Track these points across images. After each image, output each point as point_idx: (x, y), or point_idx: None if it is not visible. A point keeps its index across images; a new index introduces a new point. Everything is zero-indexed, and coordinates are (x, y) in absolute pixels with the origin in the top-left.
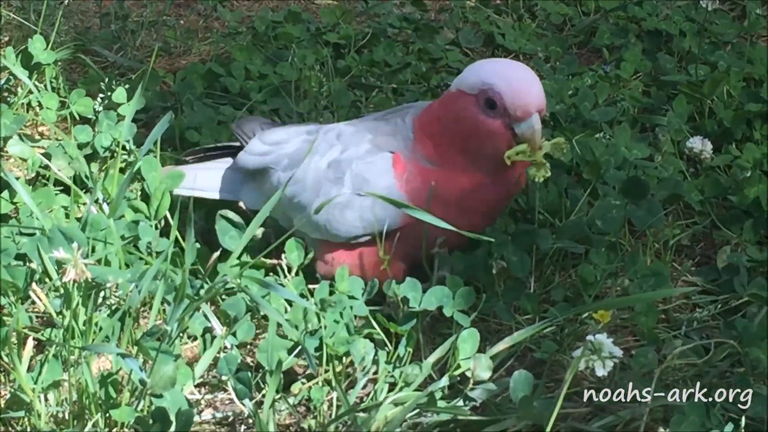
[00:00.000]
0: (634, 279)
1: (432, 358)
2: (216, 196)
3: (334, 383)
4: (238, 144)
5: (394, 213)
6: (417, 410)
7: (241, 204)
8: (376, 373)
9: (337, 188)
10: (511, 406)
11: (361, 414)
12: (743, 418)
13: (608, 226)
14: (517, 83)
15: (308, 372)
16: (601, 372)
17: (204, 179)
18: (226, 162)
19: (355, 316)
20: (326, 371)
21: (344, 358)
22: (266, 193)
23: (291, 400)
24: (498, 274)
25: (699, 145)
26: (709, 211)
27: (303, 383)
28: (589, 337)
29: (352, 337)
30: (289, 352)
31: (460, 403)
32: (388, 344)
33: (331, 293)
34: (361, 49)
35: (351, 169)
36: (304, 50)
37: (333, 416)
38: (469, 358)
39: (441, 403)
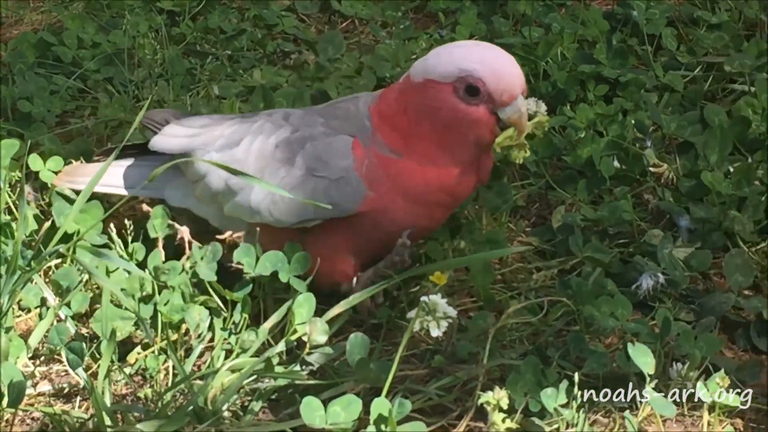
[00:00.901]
0: (471, 241)
1: (268, 324)
2: (131, 193)
3: (169, 351)
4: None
5: (352, 197)
6: (254, 376)
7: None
8: (213, 340)
9: (286, 169)
10: (349, 369)
11: (198, 381)
12: (577, 375)
13: None
14: (499, 66)
15: (145, 341)
16: (436, 332)
17: (115, 175)
18: (141, 159)
19: (192, 284)
20: (163, 340)
21: (181, 326)
22: (191, 178)
23: (127, 369)
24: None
25: (533, 106)
26: (543, 172)
27: (139, 353)
28: (423, 298)
29: (187, 304)
30: (126, 321)
31: (298, 368)
32: (225, 311)
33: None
34: (196, 16)
35: (304, 149)
36: (137, 18)
37: (169, 384)
38: (306, 322)
39: (278, 369)
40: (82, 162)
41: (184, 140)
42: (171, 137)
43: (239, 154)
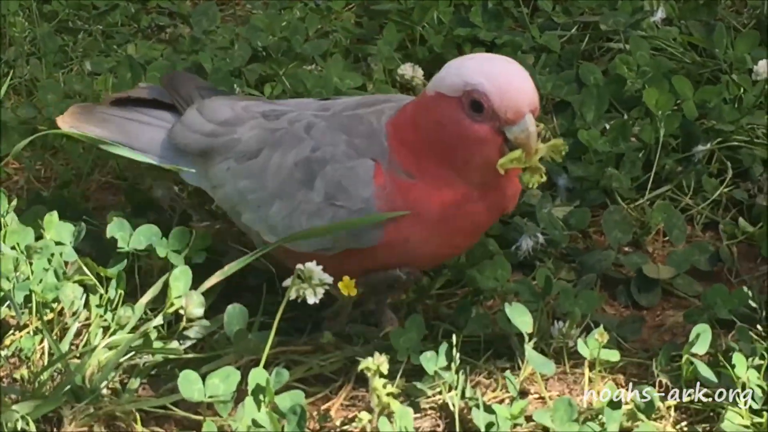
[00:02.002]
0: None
1: (145, 299)
2: (155, 161)
3: (44, 331)
4: (167, 100)
5: (372, 230)
6: (132, 352)
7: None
8: (90, 318)
9: (304, 192)
10: (230, 342)
11: (75, 360)
12: (455, 337)
13: None
14: (506, 81)
15: (24, 323)
16: (312, 300)
17: (144, 138)
18: (164, 120)
19: (66, 263)
20: (38, 320)
21: (55, 305)
22: (211, 179)
23: (3, 352)
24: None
25: (410, 71)
26: None
27: (14, 335)
28: (299, 266)
29: (61, 283)
30: (2, 303)
31: (176, 342)
32: (100, 288)
33: (39, 239)
34: None
35: (324, 172)
36: None
37: (45, 364)
38: (183, 296)
39: (157, 344)
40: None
41: (204, 139)
42: (190, 131)
43: (256, 167)
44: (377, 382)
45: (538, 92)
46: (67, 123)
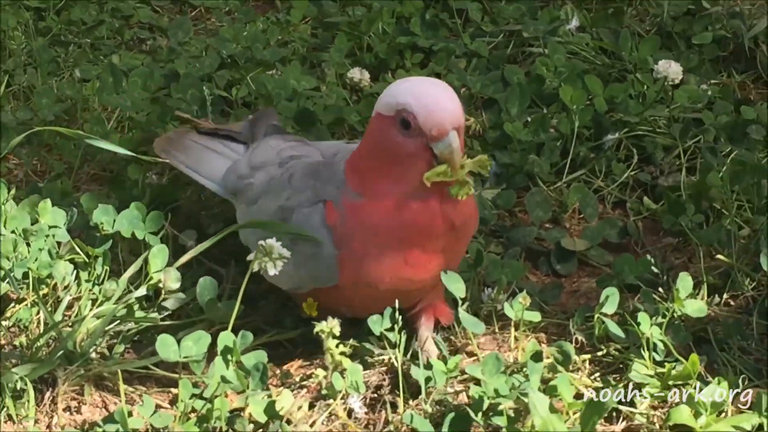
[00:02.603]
0: None
1: (127, 274)
2: (216, 189)
3: (39, 303)
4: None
5: (328, 271)
6: (117, 321)
7: None
8: (80, 292)
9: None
10: (202, 311)
11: (67, 328)
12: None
13: None
14: (430, 101)
15: (22, 296)
16: (273, 271)
17: (212, 167)
18: (237, 153)
19: (58, 243)
20: (34, 294)
21: (50, 281)
22: (238, 217)
23: (5, 323)
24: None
25: (358, 75)
26: None
27: (14, 308)
28: (260, 242)
29: (54, 261)
30: (2, 280)
31: (156, 312)
32: (90, 265)
33: (35, 223)
34: (60, 10)
35: (292, 218)
36: (6, 14)
37: (41, 332)
38: (160, 271)
39: (138, 313)
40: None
41: (236, 182)
42: (232, 174)
43: (254, 211)
44: (330, 343)
45: (463, 111)
46: (159, 146)
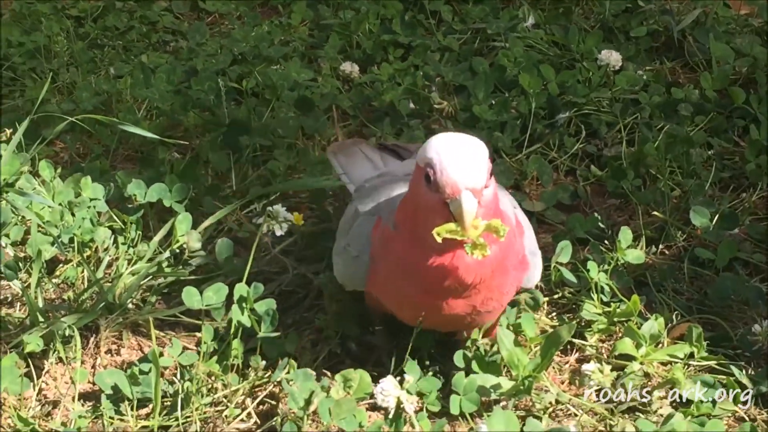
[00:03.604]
0: (307, 169)
1: (157, 237)
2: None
3: (83, 263)
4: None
5: (362, 274)
6: (149, 276)
7: None
8: (117, 253)
9: (344, 235)
10: (220, 267)
11: (107, 284)
12: None
13: (287, 132)
14: (449, 159)
15: (69, 258)
16: (279, 232)
17: (360, 173)
18: (384, 165)
19: (98, 213)
20: (79, 255)
21: (92, 245)
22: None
23: (55, 280)
24: (204, 176)
25: (349, 68)
26: (358, 115)
27: (62, 267)
28: (269, 208)
29: (95, 227)
30: (52, 245)
31: (182, 269)
32: (125, 231)
33: (77, 194)
34: (96, 18)
35: (356, 222)
36: (50, 22)
37: (86, 287)
38: (185, 234)
39: (167, 270)
40: (354, 140)
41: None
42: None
43: (347, 209)
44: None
45: (484, 173)
46: (332, 148)
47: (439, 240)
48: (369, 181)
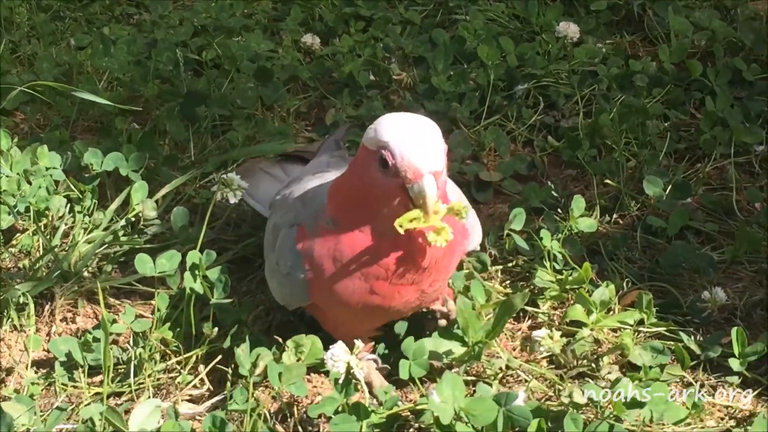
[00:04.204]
0: (266, 139)
1: (113, 206)
2: (262, 211)
3: (38, 232)
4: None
5: (300, 290)
6: (105, 245)
7: None
8: (73, 222)
9: (270, 255)
10: (175, 235)
11: (62, 252)
12: None
13: (246, 103)
14: (409, 142)
15: (24, 227)
16: (233, 200)
17: (264, 191)
18: (286, 176)
19: (55, 182)
20: (35, 224)
21: (48, 213)
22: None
23: (11, 250)
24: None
25: (310, 40)
26: (318, 86)
27: (18, 236)
28: (222, 175)
29: (51, 196)
30: (8, 214)
31: (138, 237)
32: (82, 199)
33: (34, 164)
34: None
35: (279, 237)
36: None
37: (41, 255)
38: (140, 203)
39: (123, 239)
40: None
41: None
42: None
43: (268, 224)
44: None
45: (444, 155)
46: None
47: (401, 231)
48: (279, 194)
